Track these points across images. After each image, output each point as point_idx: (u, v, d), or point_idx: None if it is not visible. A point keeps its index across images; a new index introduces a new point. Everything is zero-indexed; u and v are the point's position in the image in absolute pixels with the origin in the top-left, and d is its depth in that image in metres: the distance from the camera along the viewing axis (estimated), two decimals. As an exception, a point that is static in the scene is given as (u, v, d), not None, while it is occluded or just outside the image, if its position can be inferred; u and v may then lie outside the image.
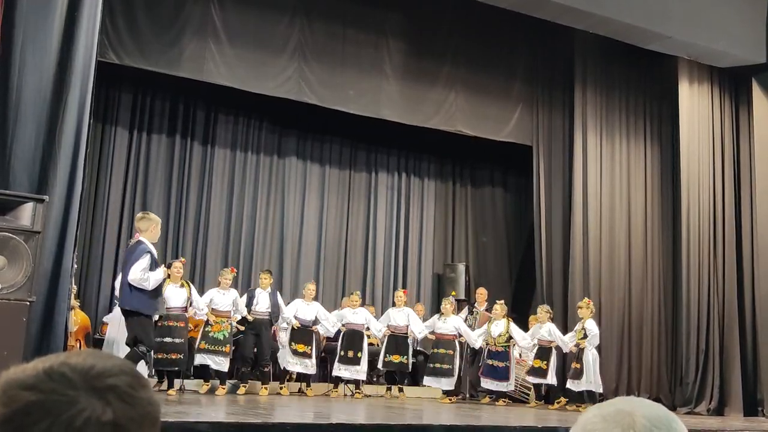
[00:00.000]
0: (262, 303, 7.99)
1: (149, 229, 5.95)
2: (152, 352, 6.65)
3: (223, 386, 7.61)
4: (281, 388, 8.18)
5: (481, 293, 10.02)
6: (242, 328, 7.96)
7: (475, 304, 10.02)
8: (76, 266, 6.30)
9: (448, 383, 8.66)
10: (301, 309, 8.31)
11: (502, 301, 9.06)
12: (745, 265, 9.54)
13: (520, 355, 9.07)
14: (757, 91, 9.64)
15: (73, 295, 6.42)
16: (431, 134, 10.29)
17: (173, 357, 7.14)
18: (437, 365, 8.66)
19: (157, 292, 6.13)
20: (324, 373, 9.35)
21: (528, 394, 9.00)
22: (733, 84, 9.96)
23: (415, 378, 9.66)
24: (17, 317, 4.99)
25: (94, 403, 0.71)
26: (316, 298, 8.67)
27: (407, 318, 8.77)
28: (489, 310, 9.91)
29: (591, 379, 8.29)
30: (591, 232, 9.65)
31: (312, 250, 10.65)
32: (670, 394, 9.53)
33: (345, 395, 8.71)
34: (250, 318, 7.89)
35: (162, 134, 9.81)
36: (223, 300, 7.76)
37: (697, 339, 9.23)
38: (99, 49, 6.33)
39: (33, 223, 5.14)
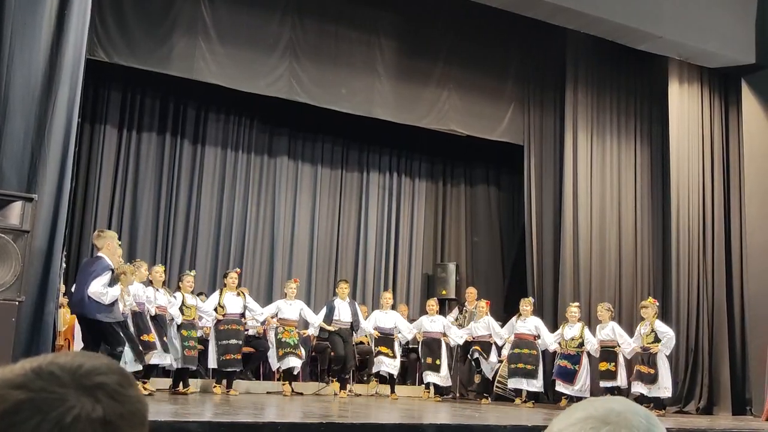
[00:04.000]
0: (344, 313, 8.60)
1: (105, 246, 6.21)
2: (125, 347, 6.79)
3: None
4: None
5: (471, 292, 10.03)
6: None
7: (465, 304, 10.03)
8: (64, 265, 6.27)
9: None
10: (380, 318, 8.86)
11: (578, 304, 8.83)
12: (734, 265, 9.60)
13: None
14: (746, 91, 9.70)
15: (61, 294, 6.39)
16: (423, 133, 10.28)
17: (228, 358, 7.79)
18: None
19: (114, 304, 6.26)
20: (314, 372, 9.36)
21: (514, 393, 8.98)
22: (722, 84, 10.03)
23: (404, 377, 9.66)
24: (6, 317, 4.97)
25: (84, 401, 0.71)
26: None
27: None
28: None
29: (666, 385, 7.99)
30: (581, 231, 9.69)
31: (303, 250, 10.62)
32: (660, 393, 9.57)
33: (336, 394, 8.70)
34: (330, 328, 8.50)
35: (152, 133, 9.75)
36: (290, 310, 8.35)
37: (687, 338, 9.28)
38: (88, 46, 6.29)
39: (22, 222, 5.12)
